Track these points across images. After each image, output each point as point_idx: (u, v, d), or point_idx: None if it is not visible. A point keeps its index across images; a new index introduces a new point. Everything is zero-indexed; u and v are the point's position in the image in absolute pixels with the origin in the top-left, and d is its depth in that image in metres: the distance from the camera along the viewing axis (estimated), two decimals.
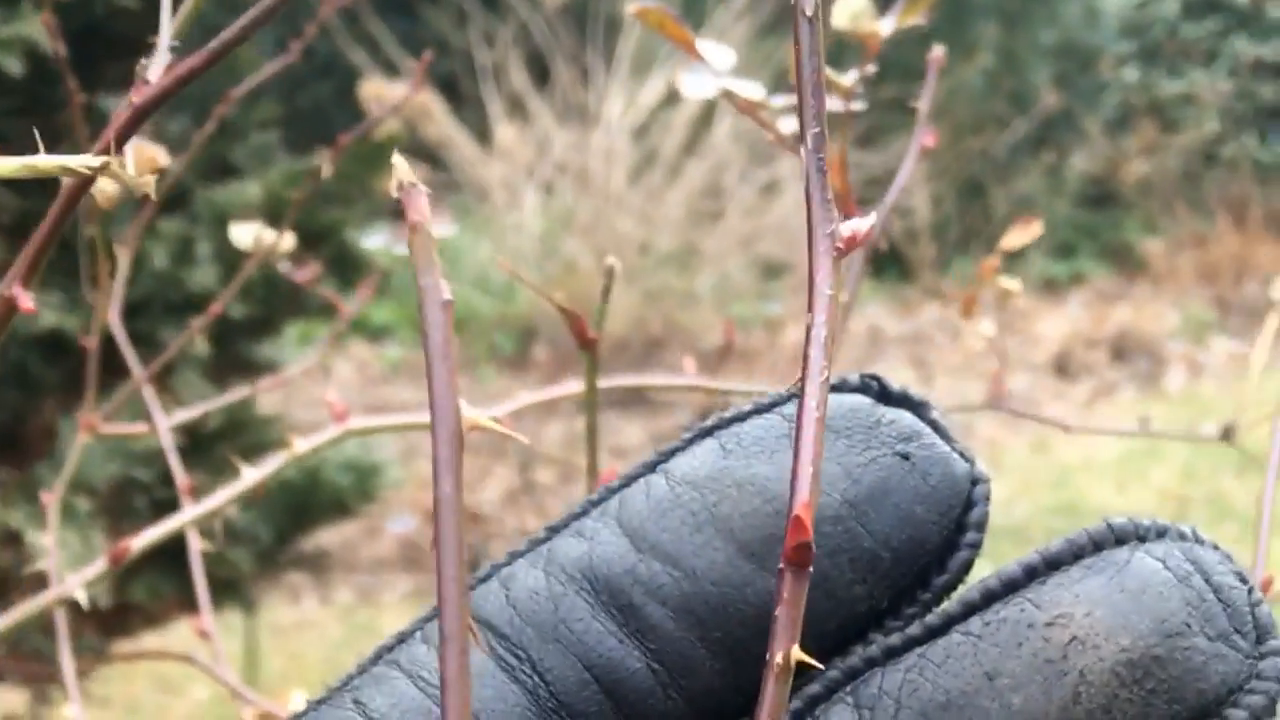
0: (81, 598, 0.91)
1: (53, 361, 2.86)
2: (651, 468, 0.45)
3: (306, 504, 3.52)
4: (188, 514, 0.96)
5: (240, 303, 3.02)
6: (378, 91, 6.67)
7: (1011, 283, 0.95)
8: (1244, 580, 0.41)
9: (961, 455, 0.43)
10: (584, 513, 0.45)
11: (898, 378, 0.45)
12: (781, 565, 0.36)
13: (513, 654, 0.42)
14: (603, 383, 0.98)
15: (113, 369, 1.38)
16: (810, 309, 0.38)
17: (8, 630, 0.88)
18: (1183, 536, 0.42)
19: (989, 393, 1.04)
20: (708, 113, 7.02)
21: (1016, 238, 0.94)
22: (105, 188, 1.14)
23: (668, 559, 0.42)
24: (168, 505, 2.87)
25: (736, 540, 0.42)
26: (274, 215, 1.36)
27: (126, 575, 2.92)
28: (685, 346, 6.36)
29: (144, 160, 1.14)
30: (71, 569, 2.47)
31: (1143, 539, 0.42)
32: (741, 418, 0.45)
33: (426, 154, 7.37)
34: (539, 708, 0.42)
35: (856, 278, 0.91)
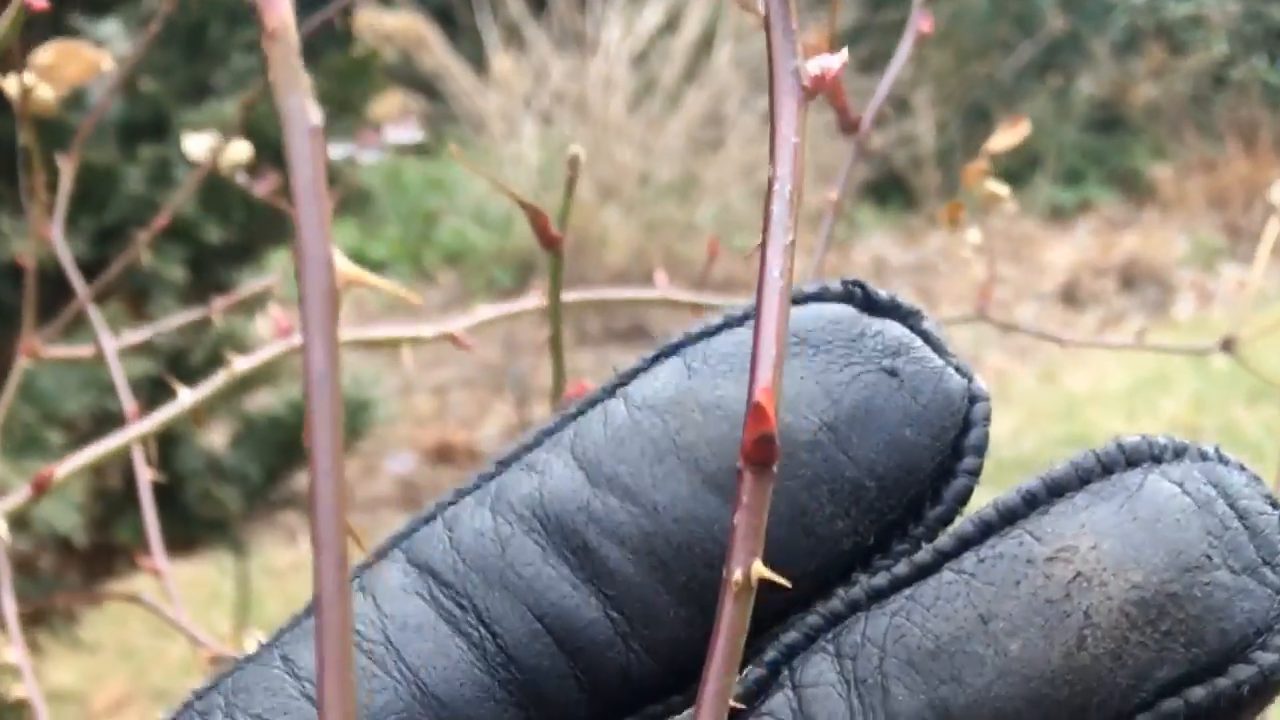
0: (2, 530, 0.87)
1: (23, 291, 2.76)
2: (610, 391, 0.41)
3: (296, 440, 3.45)
4: (120, 436, 0.92)
5: (218, 227, 2.95)
6: (370, 21, 6.58)
7: (998, 187, 0.92)
8: (1274, 505, 0.38)
9: (957, 370, 0.40)
10: (536, 443, 0.41)
11: None
12: (740, 464, 0.33)
13: (456, 603, 0.39)
14: (567, 296, 0.93)
15: (99, 291, 1.35)
16: (772, 160, 0.33)
17: None
18: (1204, 456, 0.38)
19: (977, 304, 1.00)
20: (708, 39, 6.97)
21: (1004, 139, 0.91)
22: (43, 95, 1.06)
23: (626, 494, 0.39)
24: (156, 439, 2.82)
25: (702, 471, 0.39)
26: (255, 138, 1.28)
27: (109, 516, 2.87)
28: (686, 279, 6.29)
29: (82, 63, 1.06)
30: (46, 505, 2.40)
31: (1158, 460, 0.38)
32: (710, 332, 0.41)
33: (422, 84, 7.29)
34: (486, 662, 0.39)
35: (846, 184, 0.86)
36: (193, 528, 3.07)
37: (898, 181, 7.74)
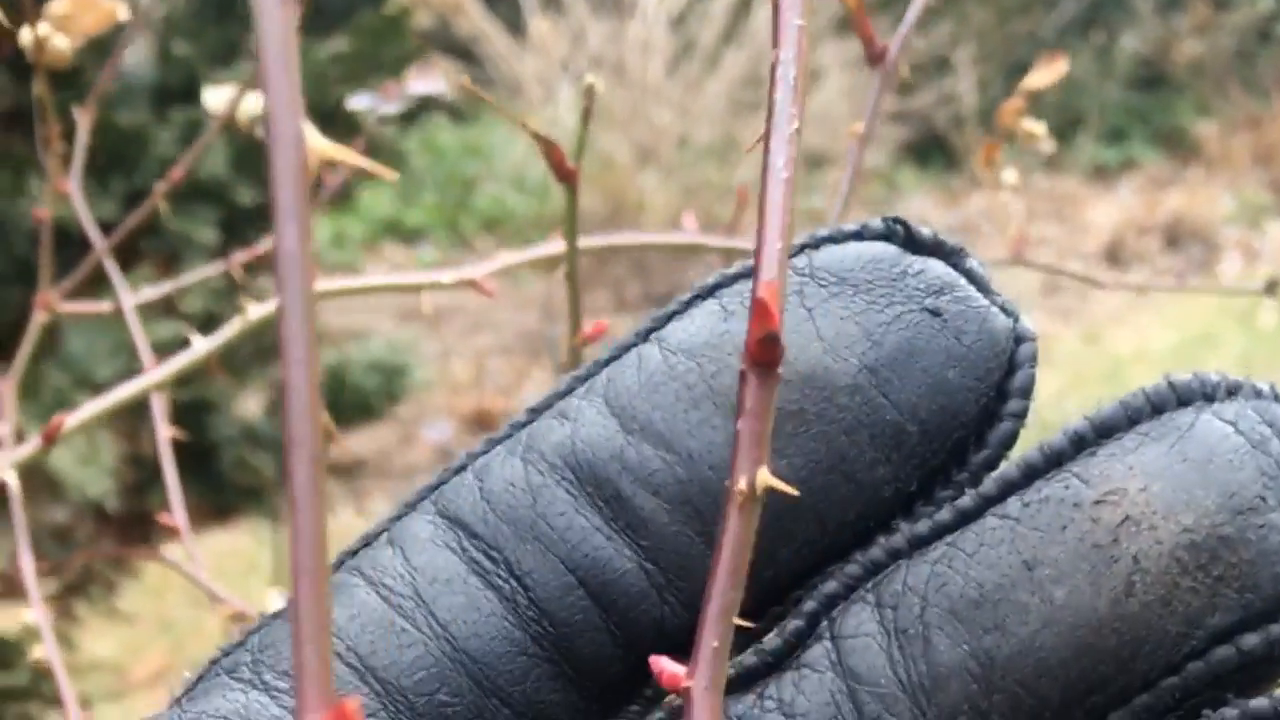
0: (11, 480, 0.86)
1: (55, 253, 2.76)
2: (644, 336, 0.40)
3: (332, 406, 3.41)
4: (135, 384, 0.89)
5: (250, 188, 2.93)
6: None
7: (1035, 125, 0.91)
8: None
9: (1003, 309, 0.39)
10: (568, 390, 0.40)
11: None
12: (743, 366, 0.31)
13: (487, 556, 0.39)
14: (596, 240, 0.92)
15: (129, 252, 1.36)
16: (775, 44, 0.31)
17: None
18: (1258, 394, 0.37)
19: (1011, 248, 1.00)
20: (746, 0, 6.91)
21: (1041, 77, 0.89)
22: (57, 45, 1.04)
23: (660, 441, 0.38)
24: (188, 405, 2.83)
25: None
26: None
27: (144, 483, 2.86)
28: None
29: (99, 13, 1.04)
30: (78, 469, 2.39)
31: (1210, 398, 0.37)
32: (747, 274, 0.40)
33: (459, 49, 7.27)
34: (517, 616, 0.38)
35: (873, 117, 0.81)
36: (228, 496, 3.06)
37: (939, 142, 7.70)
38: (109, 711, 3.22)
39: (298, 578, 0.23)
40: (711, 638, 0.31)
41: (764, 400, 0.31)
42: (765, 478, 0.31)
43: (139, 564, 3.07)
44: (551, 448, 0.39)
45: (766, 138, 0.31)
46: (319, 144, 0.25)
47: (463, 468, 0.40)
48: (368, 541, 0.40)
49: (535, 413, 0.40)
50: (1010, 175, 0.97)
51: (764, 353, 0.31)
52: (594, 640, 0.38)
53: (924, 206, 7.41)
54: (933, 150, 7.71)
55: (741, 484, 0.31)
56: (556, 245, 0.89)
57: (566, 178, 0.66)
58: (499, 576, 0.38)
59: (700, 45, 7.04)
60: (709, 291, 0.40)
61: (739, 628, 0.32)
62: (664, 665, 0.32)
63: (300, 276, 0.24)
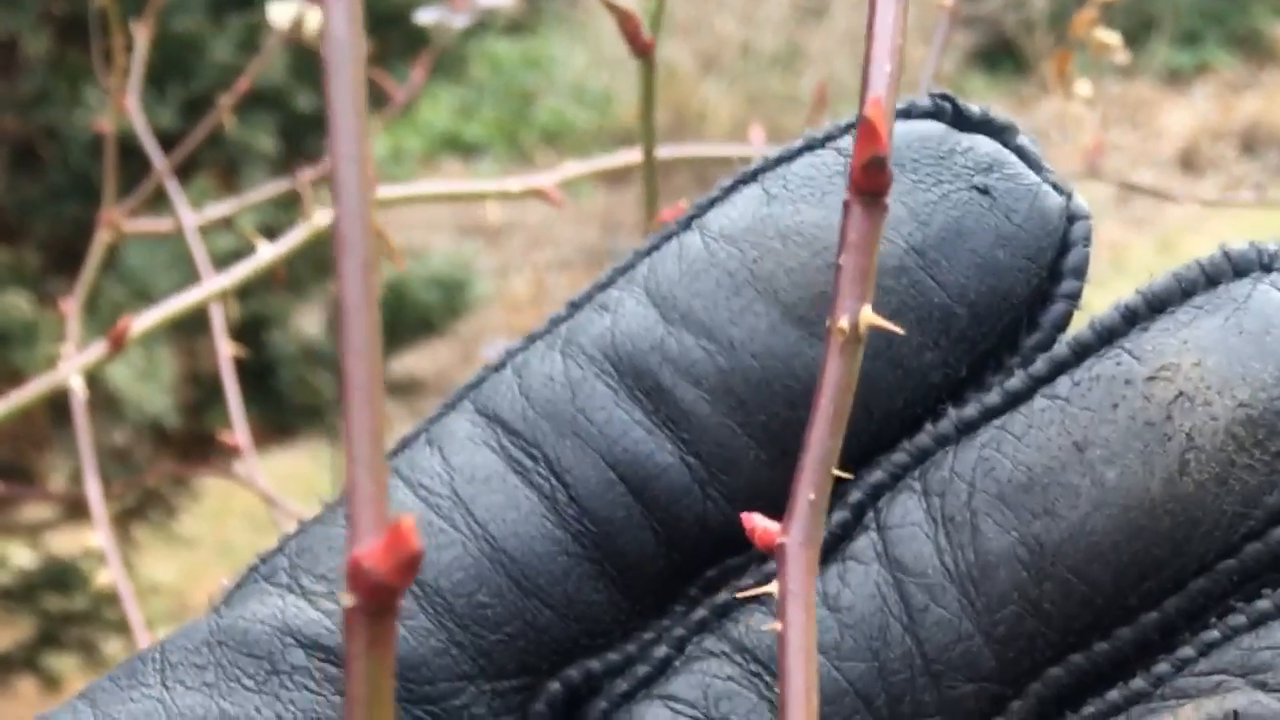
0: (77, 385, 0.85)
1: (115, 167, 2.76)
2: (686, 224, 0.39)
3: (393, 323, 3.43)
4: (197, 292, 0.89)
5: (309, 94, 2.89)
6: None
7: (1108, 35, 0.90)
8: None
9: (1055, 187, 0.38)
10: (609, 282, 0.39)
11: None
12: (847, 196, 0.30)
13: (526, 453, 0.38)
14: (661, 152, 0.90)
15: (188, 162, 1.35)
16: None
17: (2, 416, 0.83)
18: None
19: (1086, 160, 0.98)
20: None
21: None
22: None
23: (701, 329, 0.37)
24: (246, 322, 2.80)
25: (781, 302, 0.37)
26: None
27: (203, 402, 2.85)
28: None
29: None
30: (136, 386, 2.37)
31: (1268, 268, 0.36)
32: (789, 156, 0.38)
33: None
34: (558, 514, 0.37)
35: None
36: (287, 415, 3.05)
37: (1008, 46, 7.60)
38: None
39: (350, 393, 0.22)
40: (808, 489, 0.30)
41: (869, 232, 0.29)
42: (868, 316, 0.30)
43: (199, 487, 3.06)
44: (591, 340, 0.38)
45: None
46: None
47: (502, 365, 0.39)
48: (406, 443, 0.40)
49: (575, 306, 0.39)
50: (1084, 87, 0.95)
51: (869, 179, 0.29)
52: (636, 538, 0.38)
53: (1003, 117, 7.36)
54: (1002, 56, 7.63)
55: (843, 322, 0.30)
56: (624, 156, 0.88)
57: (643, 51, 0.64)
58: (538, 474, 0.38)
59: None
60: (751, 176, 0.39)
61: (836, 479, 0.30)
62: (756, 521, 0.31)
63: (351, 59, 0.22)
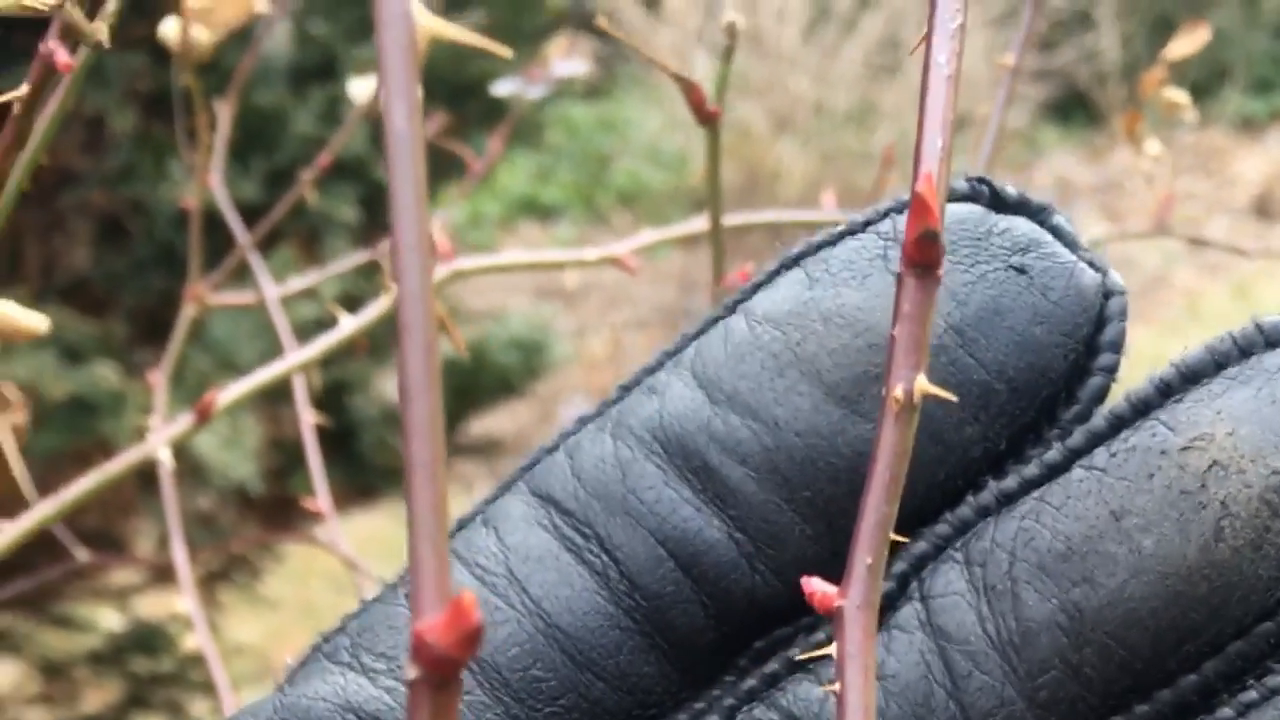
0: (165, 457, 0.86)
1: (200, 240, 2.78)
2: (732, 308, 0.40)
3: (472, 385, 3.45)
4: (281, 364, 0.91)
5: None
6: None
7: (1178, 94, 0.90)
8: None
9: (1091, 264, 0.38)
10: (658, 365, 0.40)
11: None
12: (900, 269, 0.31)
13: (578, 532, 0.39)
14: (734, 218, 0.92)
15: (271, 233, 1.37)
16: None
17: (86, 493, 0.83)
18: None
19: (1155, 218, 0.98)
20: None
21: (1183, 45, 0.88)
22: (200, 36, 1.03)
23: (746, 410, 0.38)
24: (328, 387, 2.84)
25: (824, 383, 0.38)
26: (425, 77, 1.25)
27: (286, 467, 2.87)
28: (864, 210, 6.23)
29: (237, 5, 1.03)
30: (222, 453, 2.40)
31: None
32: (831, 241, 0.40)
33: (591, 23, 7.26)
34: (609, 590, 0.39)
35: (1024, 41, 0.82)
36: (369, 476, 3.07)
37: (1081, 99, 7.57)
38: (253, 696, 3.24)
39: (413, 473, 0.23)
40: (865, 554, 0.30)
41: (923, 303, 0.30)
42: (923, 384, 0.30)
43: (283, 549, 3.08)
44: (640, 422, 0.39)
45: (929, 34, 0.31)
46: (426, 20, 0.25)
47: (555, 447, 0.41)
48: (462, 525, 0.41)
49: (625, 390, 0.40)
50: (1154, 146, 0.95)
51: (922, 252, 0.30)
52: (686, 611, 0.38)
53: (1066, 164, 7.30)
54: (1075, 107, 7.58)
55: (898, 392, 0.30)
56: (698, 223, 0.88)
57: (708, 120, 0.66)
58: (590, 552, 0.39)
59: (836, 10, 6.98)
60: (794, 261, 0.40)
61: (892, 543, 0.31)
62: (814, 585, 0.31)
63: (410, 152, 0.23)
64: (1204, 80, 6.99)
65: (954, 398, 0.34)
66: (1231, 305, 5.57)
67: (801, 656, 0.38)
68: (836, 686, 0.30)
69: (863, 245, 0.39)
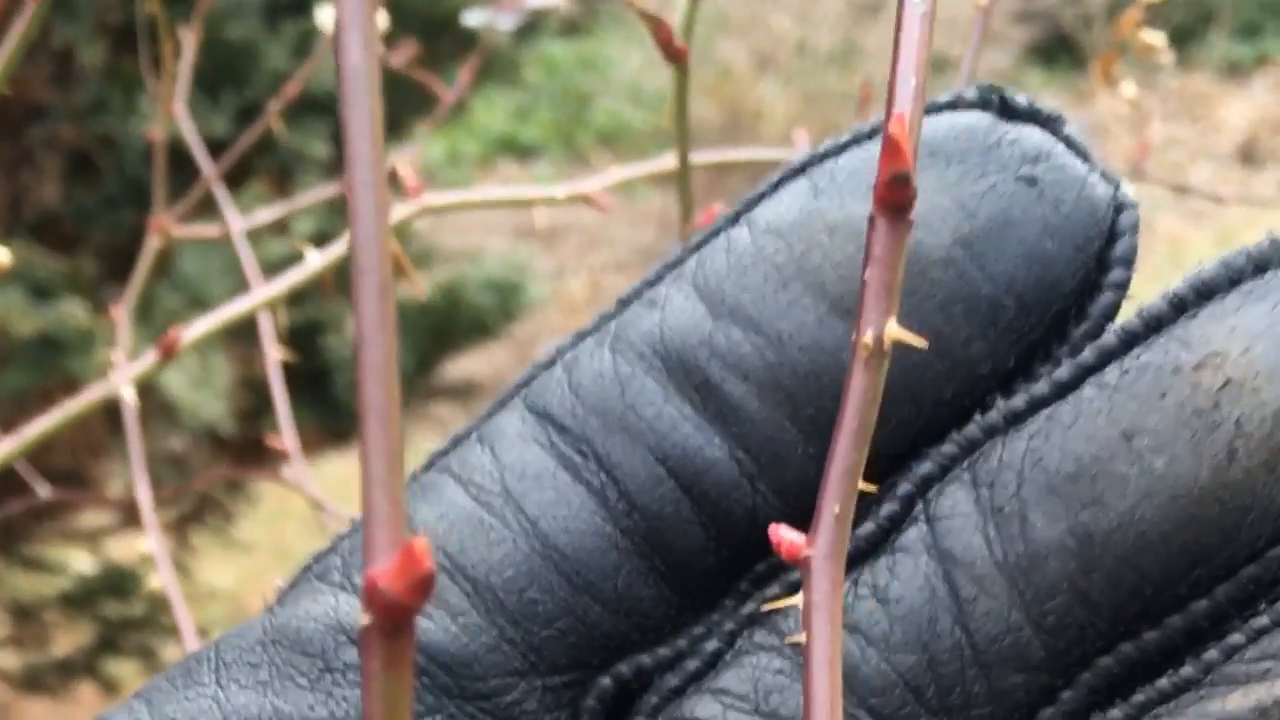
0: (128, 394, 0.85)
1: (168, 172, 2.77)
2: (734, 219, 0.39)
3: (447, 326, 3.42)
4: (247, 300, 0.89)
5: None
6: None
7: (1154, 36, 0.89)
8: None
9: (1103, 176, 0.37)
10: (658, 278, 0.39)
11: None
12: (871, 210, 0.30)
13: (576, 450, 0.38)
14: (698, 157, 0.90)
15: (240, 169, 1.36)
16: None
17: (49, 431, 0.82)
18: None
19: (1132, 161, 0.97)
20: None
21: None
22: None
23: (749, 323, 0.37)
24: (301, 327, 2.81)
25: (829, 295, 0.37)
26: (397, 9, 1.23)
27: (259, 408, 2.85)
28: None
29: None
30: (192, 393, 2.38)
31: None
32: (837, 150, 0.38)
33: None
34: (608, 510, 0.37)
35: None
36: (343, 419, 3.06)
37: (1065, 41, 7.55)
38: None
39: (367, 417, 0.22)
40: (833, 502, 0.30)
41: (894, 247, 0.29)
42: (893, 330, 0.30)
43: (256, 492, 3.07)
44: (640, 336, 0.38)
45: None
46: None
47: (552, 363, 0.40)
48: (458, 441, 0.40)
49: (624, 303, 0.39)
50: (1129, 88, 0.94)
51: (893, 194, 0.29)
52: (685, 533, 0.38)
53: (1050, 108, 7.31)
54: (1059, 50, 7.59)
55: (867, 337, 0.30)
56: (669, 160, 0.87)
57: (675, 57, 0.65)
58: (588, 470, 0.38)
59: None
60: (799, 170, 0.39)
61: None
62: (782, 534, 0.31)
63: (366, 89, 0.22)
64: (1189, 24, 6.98)
65: (923, 343, 0.32)
66: (1215, 253, 5.56)
67: (769, 607, 0.38)
68: (802, 637, 0.29)
69: (869, 155, 0.38)
